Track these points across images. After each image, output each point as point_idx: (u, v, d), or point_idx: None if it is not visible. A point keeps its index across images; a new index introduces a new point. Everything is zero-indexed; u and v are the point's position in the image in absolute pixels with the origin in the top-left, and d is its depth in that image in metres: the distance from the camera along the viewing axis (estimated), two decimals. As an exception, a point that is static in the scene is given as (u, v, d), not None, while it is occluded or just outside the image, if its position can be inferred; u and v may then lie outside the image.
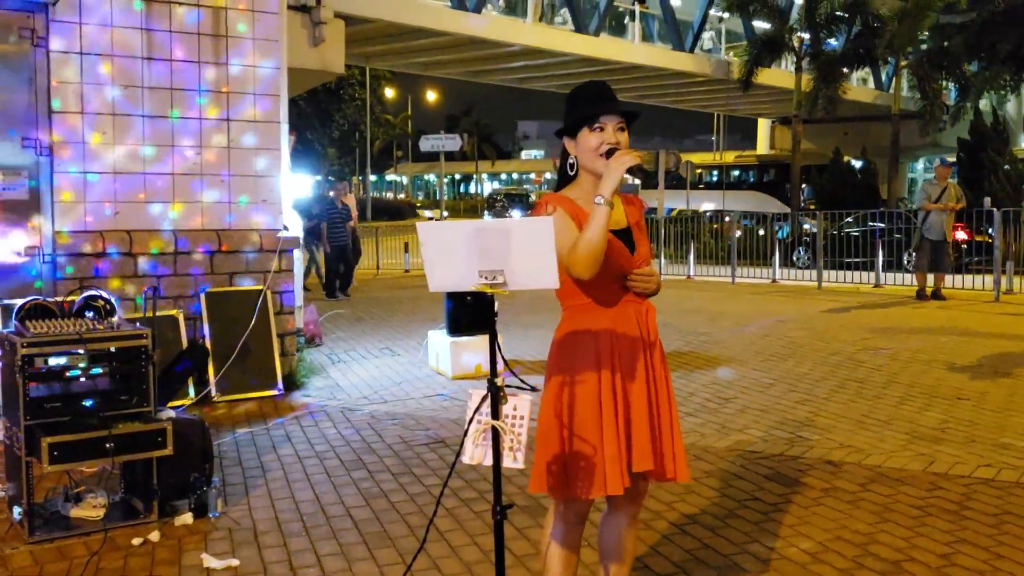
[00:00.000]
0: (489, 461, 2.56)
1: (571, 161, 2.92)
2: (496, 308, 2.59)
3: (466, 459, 2.62)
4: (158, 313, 6.95)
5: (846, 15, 30.22)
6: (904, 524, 4.36)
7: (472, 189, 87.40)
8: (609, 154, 2.81)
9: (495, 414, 2.52)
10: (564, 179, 2.98)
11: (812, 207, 28.96)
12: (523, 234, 2.41)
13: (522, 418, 2.56)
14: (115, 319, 4.66)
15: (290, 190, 8.28)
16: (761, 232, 20.34)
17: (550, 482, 2.85)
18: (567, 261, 2.70)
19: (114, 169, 6.90)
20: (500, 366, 2.61)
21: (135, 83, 6.94)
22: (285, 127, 7.83)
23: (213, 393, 7.06)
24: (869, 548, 4.08)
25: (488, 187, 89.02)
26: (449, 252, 2.46)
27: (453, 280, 2.49)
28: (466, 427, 2.56)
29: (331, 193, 16.11)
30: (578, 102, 2.93)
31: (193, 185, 7.23)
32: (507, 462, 2.57)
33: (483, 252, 2.42)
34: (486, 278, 2.44)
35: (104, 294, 4.77)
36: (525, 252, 2.41)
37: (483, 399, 2.53)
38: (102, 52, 6.79)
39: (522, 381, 2.68)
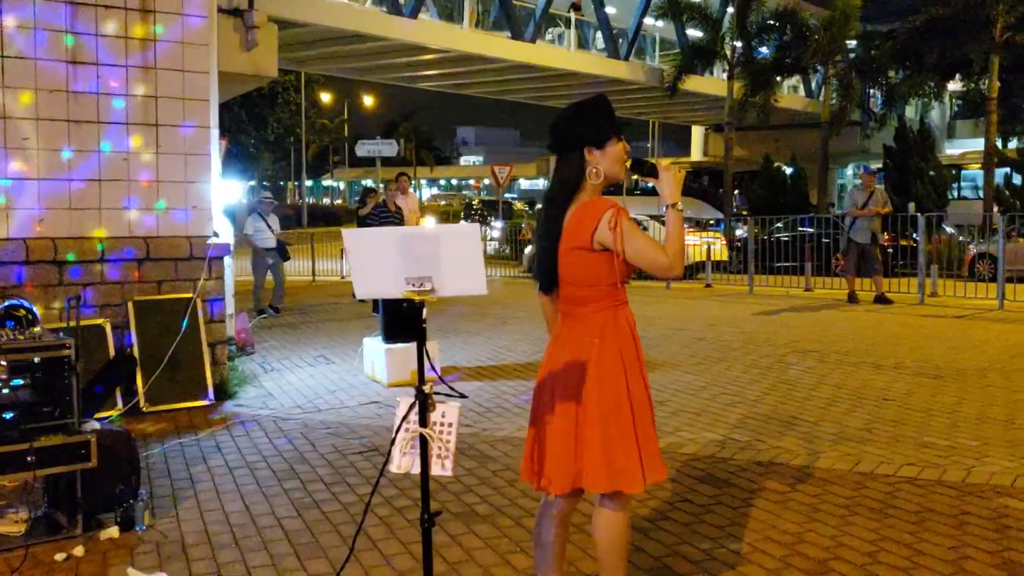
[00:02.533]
0: (417, 469, 2.55)
1: (594, 169, 3.10)
2: (425, 315, 2.57)
3: (393, 468, 2.61)
4: (85, 322, 6.80)
5: (776, 24, 30.83)
6: (831, 523, 4.45)
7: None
8: (636, 163, 3.16)
9: (423, 422, 2.51)
10: (574, 186, 3.12)
11: (745, 213, 29.45)
12: (451, 240, 2.41)
13: (450, 425, 2.55)
14: (37, 329, 4.54)
15: (220, 196, 8.16)
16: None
17: (661, 470, 3.13)
18: (672, 262, 2.97)
19: (39, 175, 6.73)
20: (430, 373, 2.60)
21: (60, 87, 6.78)
22: (215, 132, 7.72)
23: (142, 403, 6.92)
24: (797, 548, 4.16)
25: (427, 193, 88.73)
26: (376, 259, 2.45)
27: (380, 287, 2.48)
28: (393, 435, 2.55)
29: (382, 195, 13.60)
30: (605, 115, 3.16)
31: (120, 192, 7.08)
32: (435, 470, 2.56)
33: (411, 259, 2.41)
34: (414, 284, 2.43)
35: (25, 303, 4.64)
36: (454, 258, 2.41)
37: (411, 407, 2.53)
38: (25, 55, 6.62)
39: (451, 388, 2.68)
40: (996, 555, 4.03)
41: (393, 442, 2.56)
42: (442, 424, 2.52)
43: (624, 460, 3.04)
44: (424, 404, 2.50)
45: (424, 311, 2.45)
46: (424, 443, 2.52)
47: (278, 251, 13.58)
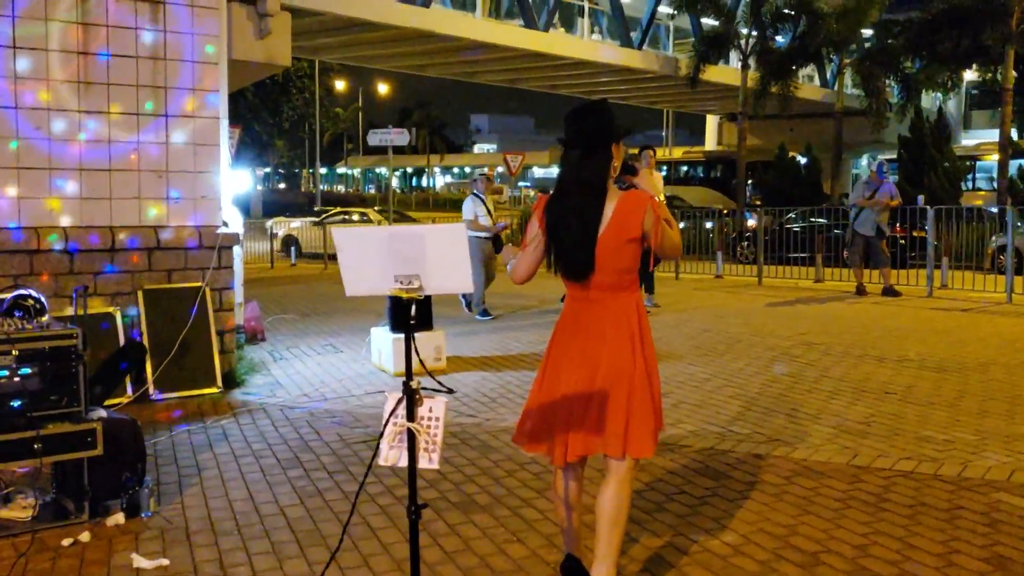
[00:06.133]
0: (404, 462, 2.62)
1: (616, 163, 3.37)
2: (413, 312, 2.63)
3: (381, 461, 2.68)
4: (96, 311, 6.90)
5: (791, 13, 30.66)
6: (824, 516, 4.50)
7: (424, 183, 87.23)
8: (623, 165, 3.47)
9: (411, 416, 2.58)
10: (606, 179, 3.35)
11: (758, 202, 29.40)
12: (436, 240, 2.47)
13: (438, 419, 2.61)
14: (45, 318, 4.63)
15: (231, 186, 8.25)
16: (708, 224, 20.60)
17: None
18: (680, 245, 3.47)
19: (49, 165, 6.82)
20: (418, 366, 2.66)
21: (71, 78, 6.86)
22: (225, 122, 7.79)
23: (151, 391, 7.02)
24: (789, 540, 4.21)
25: (440, 180, 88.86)
26: (365, 258, 2.51)
27: (369, 285, 2.55)
28: (382, 429, 2.62)
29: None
30: (614, 116, 3.42)
31: (130, 181, 7.17)
32: (422, 463, 2.63)
33: (398, 257, 2.48)
34: (402, 283, 2.49)
35: (33, 293, 4.74)
36: (439, 257, 2.47)
37: (398, 402, 2.59)
38: (36, 46, 6.70)
39: (439, 384, 2.74)
40: (986, 549, 4.07)
41: (381, 436, 2.63)
42: (429, 418, 2.59)
43: (657, 424, 3.42)
44: (412, 399, 2.56)
45: (413, 308, 2.52)
46: (412, 437, 2.59)
47: (493, 241, 10.35)
